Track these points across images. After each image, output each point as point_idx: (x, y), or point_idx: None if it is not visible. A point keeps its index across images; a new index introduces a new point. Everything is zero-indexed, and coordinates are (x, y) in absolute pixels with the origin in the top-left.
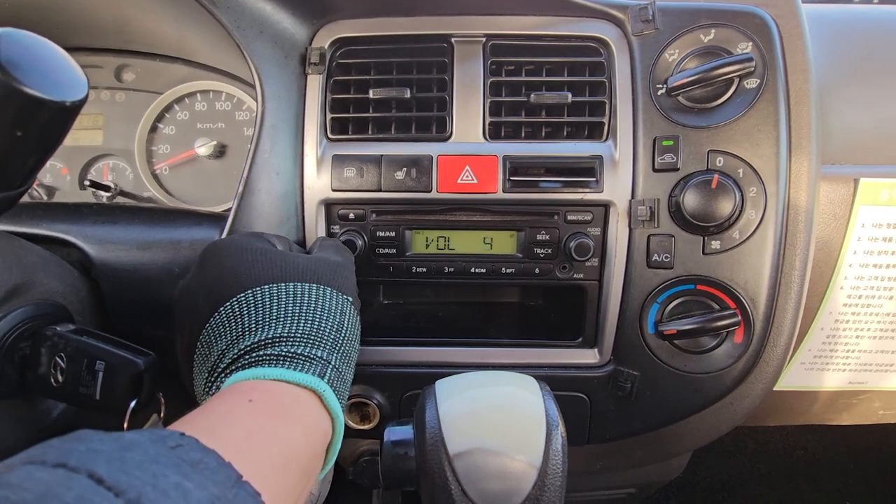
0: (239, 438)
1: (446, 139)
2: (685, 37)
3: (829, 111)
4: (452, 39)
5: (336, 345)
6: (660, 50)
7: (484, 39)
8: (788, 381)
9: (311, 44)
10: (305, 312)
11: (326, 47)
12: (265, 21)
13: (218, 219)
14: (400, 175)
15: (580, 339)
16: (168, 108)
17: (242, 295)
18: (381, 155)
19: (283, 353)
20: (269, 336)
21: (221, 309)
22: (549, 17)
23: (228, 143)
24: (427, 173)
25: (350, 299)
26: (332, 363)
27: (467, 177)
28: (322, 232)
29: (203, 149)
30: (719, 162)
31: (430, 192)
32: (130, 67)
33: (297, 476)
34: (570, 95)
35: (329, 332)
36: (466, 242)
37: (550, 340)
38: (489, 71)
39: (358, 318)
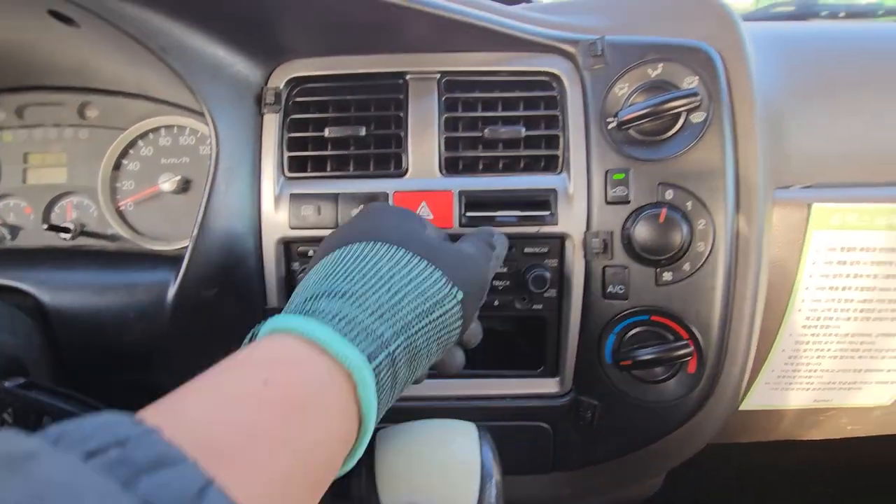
0: (238, 441)
1: (402, 175)
2: (633, 71)
3: (789, 132)
4: (407, 77)
5: (409, 330)
6: (610, 84)
7: (438, 76)
8: (755, 400)
9: (266, 84)
10: (394, 285)
11: (282, 87)
12: (218, 65)
13: (174, 261)
14: (356, 212)
15: (541, 369)
16: (132, 144)
17: (339, 250)
18: (338, 193)
19: (341, 314)
20: (338, 289)
21: (320, 262)
22: (503, 53)
23: (193, 178)
24: None
25: (458, 296)
26: (392, 350)
27: (424, 212)
28: (281, 270)
29: (167, 184)
30: (668, 195)
31: None
32: (93, 104)
33: (304, 491)
34: (523, 130)
35: (408, 314)
36: None
37: (512, 371)
38: (444, 107)
39: (457, 331)
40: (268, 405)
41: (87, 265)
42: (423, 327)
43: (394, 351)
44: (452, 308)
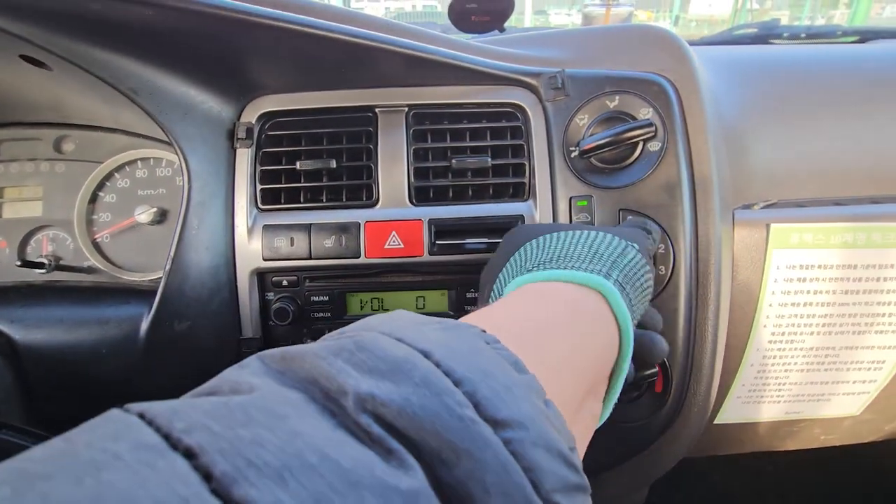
0: (530, 337)
1: (373, 205)
2: (593, 102)
3: (752, 151)
4: (377, 110)
5: (616, 264)
6: (571, 115)
7: (406, 109)
8: (728, 414)
9: (238, 119)
10: (585, 245)
11: (254, 122)
12: (190, 103)
13: (148, 294)
14: (329, 242)
15: None
16: (109, 177)
17: (529, 242)
18: (310, 224)
19: (564, 265)
20: (549, 257)
21: (513, 255)
22: (468, 86)
23: (170, 209)
24: (355, 239)
25: (635, 246)
26: (614, 276)
27: (394, 242)
28: (255, 300)
29: (143, 216)
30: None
31: (358, 257)
32: (70, 138)
33: (580, 378)
34: (489, 160)
35: (609, 256)
36: (400, 302)
37: None
38: (412, 138)
39: (649, 275)
40: (545, 307)
41: (59, 301)
42: (626, 263)
43: (616, 278)
44: (636, 255)
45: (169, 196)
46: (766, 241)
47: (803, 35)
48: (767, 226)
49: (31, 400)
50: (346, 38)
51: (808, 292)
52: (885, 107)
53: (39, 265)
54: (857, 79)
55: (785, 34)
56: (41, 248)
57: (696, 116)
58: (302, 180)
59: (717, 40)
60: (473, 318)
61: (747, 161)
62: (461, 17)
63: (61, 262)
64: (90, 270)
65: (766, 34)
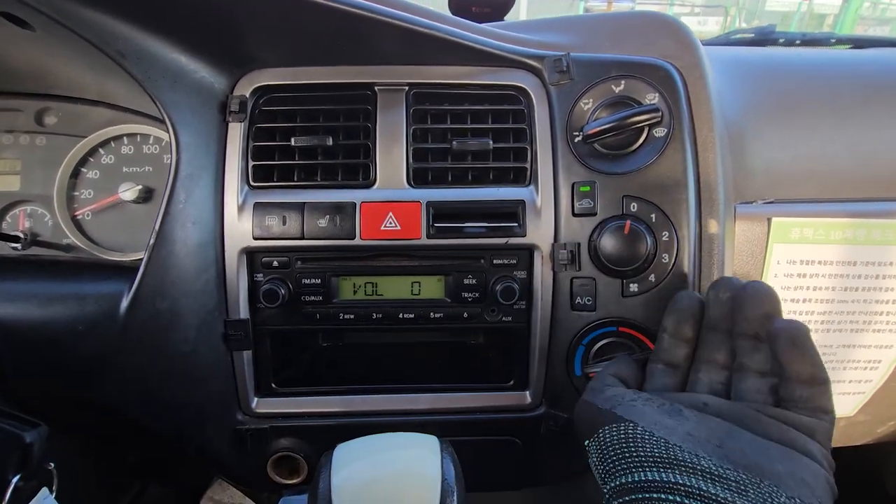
0: None
1: (370, 186)
2: (598, 87)
3: (751, 150)
4: (376, 88)
5: None
6: (575, 99)
7: (407, 88)
8: None
9: (231, 92)
10: None
11: (248, 95)
12: (180, 71)
13: (129, 271)
14: (323, 222)
15: (511, 382)
16: (92, 152)
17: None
18: (304, 202)
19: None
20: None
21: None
22: (471, 66)
23: (156, 187)
24: (350, 220)
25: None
26: None
27: (391, 223)
28: (244, 280)
29: (128, 193)
30: (633, 207)
31: (353, 239)
32: (52, 111)
33: None
34: (491, 142)
35: None
36: (395, 288)
37: (483, 384)
38: (412, 118)
39: None
40: None
41: (34, 275)
42: None
43: None
44: None
45: (155, 174)
46: (767, 235)
47: (798, 41)
48: (769, 220)
49: (1, 377)
50: (345, 8)
51: (808, 288)
52: (882, 110)
53: (14, 238)
54: (855, 82)
55: (781, 39)
56: (17, 223)
57: (702, 104)
58: (296, 157)
59: (716, 42)
60: None
61: (746, 159)
62: (461, 9)
63: (38, 239)
64: (69, 248)
65: (762, 39)
